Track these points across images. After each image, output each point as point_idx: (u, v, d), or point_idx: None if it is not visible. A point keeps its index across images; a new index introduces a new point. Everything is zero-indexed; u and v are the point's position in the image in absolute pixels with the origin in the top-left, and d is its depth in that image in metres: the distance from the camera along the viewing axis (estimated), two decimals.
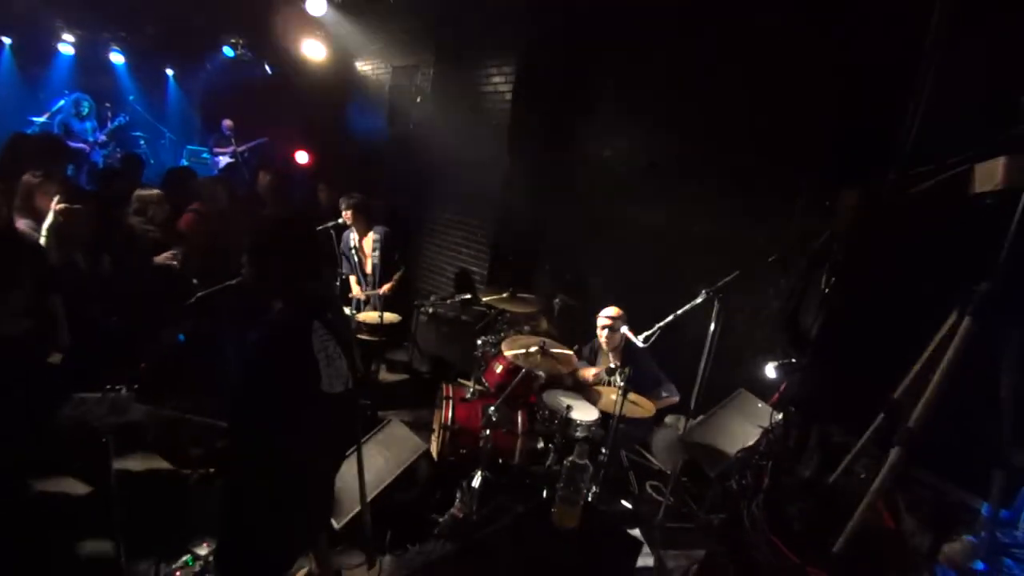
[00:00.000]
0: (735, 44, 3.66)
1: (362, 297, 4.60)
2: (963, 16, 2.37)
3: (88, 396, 1.82)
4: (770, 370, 3.10)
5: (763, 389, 3.31)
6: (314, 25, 5.99)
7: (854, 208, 2.72)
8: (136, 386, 1.86)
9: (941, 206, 2.24)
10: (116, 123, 7.95)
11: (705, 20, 3.78)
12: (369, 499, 2.72)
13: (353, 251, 4.63)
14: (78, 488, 2.75)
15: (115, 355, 2.79)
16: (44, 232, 2.71)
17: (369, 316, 4.30)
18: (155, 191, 3.93)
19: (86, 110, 7.68)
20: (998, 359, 1.80)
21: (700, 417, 3.22)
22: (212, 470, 1.87)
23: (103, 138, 7.74)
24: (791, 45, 3.36)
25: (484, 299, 4.23)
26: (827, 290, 2.75)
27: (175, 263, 3.73)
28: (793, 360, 2.93)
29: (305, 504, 1.86)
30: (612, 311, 3.67)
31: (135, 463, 2.80)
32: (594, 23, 4.50)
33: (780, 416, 2.81)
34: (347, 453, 2.65)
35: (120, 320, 3.05)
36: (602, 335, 3.68)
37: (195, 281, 3.21)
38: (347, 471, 2.73)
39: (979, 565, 1.76)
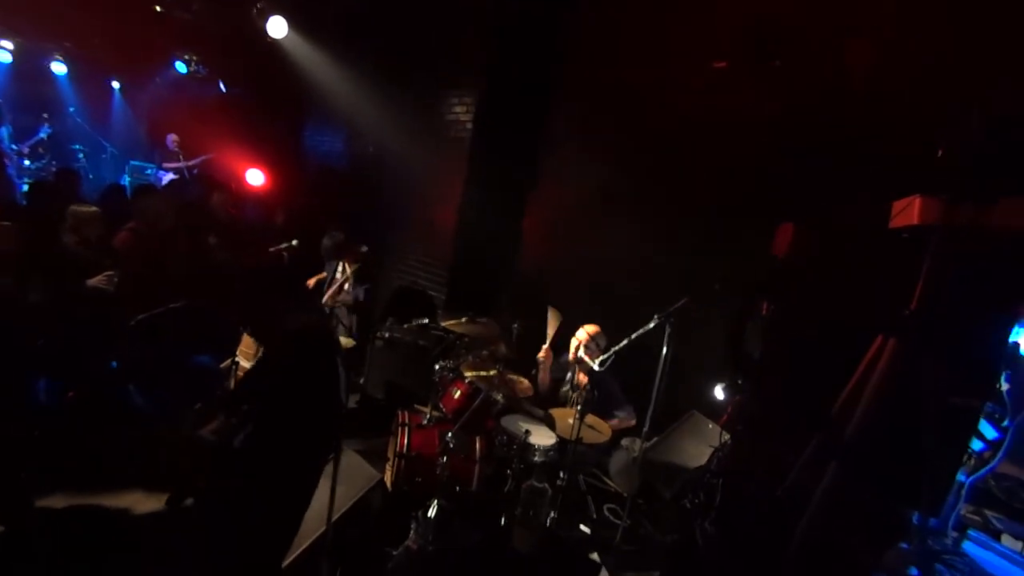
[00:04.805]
0: (686, 87, 3.91)
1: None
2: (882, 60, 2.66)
3: None
4: (719, 392, 3.24)
5: (713, 410, 3.43)
6: (273, 46, 5.93)
7: (790, 240, 2.93)
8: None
9: (867, 238, 2.45)
10: (36, 138, 7.40)
11: (660, 67, 4.04)
12: (319, 533, 2.59)
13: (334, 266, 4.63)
14: None
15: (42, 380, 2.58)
16: None
17: None
18: (91, 208, 3.72)
19: None
20: (922, 378, 1.95)
21: (654, 439, 3.29)
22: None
23: (26, 149, 7.22)
24: (738, 88, 3.63)
25: (442, 323, 4.20)
26: (768, 316, 2.91)
27: (109, 286, 3.51)
28: (739, 382, 3.07)
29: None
30: (590, 328, 3.74)
31: (57, 501, 2.56)
32: (550, 62, 4.71)
33: (729, 436, 2.92)
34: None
35: (49, 345, 2.83)
36: (577, 350, 3.73)
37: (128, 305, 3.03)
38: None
39: (913, 571, 1.87)
